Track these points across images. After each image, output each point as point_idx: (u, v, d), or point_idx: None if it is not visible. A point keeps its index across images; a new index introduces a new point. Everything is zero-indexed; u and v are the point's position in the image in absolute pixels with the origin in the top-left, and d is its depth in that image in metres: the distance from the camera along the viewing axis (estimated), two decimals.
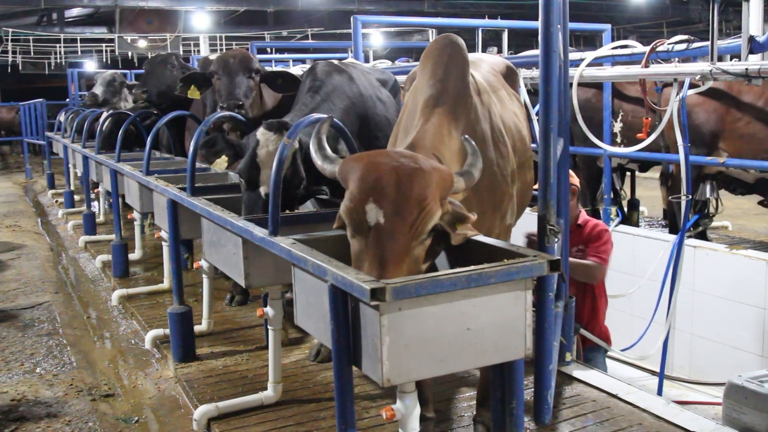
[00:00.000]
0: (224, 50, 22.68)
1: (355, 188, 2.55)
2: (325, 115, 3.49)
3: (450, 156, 2.98)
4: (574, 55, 6.03)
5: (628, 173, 8.67)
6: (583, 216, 4.87)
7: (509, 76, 4.22)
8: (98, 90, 10.62)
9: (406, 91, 3.96)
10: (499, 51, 8.88)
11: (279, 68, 5.93)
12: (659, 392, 5.38)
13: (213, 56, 7.57)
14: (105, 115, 8.42)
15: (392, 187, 2.49)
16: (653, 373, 5.74)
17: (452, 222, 2.67)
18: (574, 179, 4.75)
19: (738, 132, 6.38)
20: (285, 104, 5.50)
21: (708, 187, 7.01)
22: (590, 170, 7.85)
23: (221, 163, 4.37)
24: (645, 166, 8.27)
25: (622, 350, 6.08)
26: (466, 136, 2.98)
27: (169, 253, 5.46)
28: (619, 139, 7.29)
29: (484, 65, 3.99)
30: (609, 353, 5.35)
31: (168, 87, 7.63)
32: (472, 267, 2.44)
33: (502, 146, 3.39)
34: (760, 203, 7.06)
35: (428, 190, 2.53)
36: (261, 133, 4.11)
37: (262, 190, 4.00)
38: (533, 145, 4.13)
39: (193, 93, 5.84)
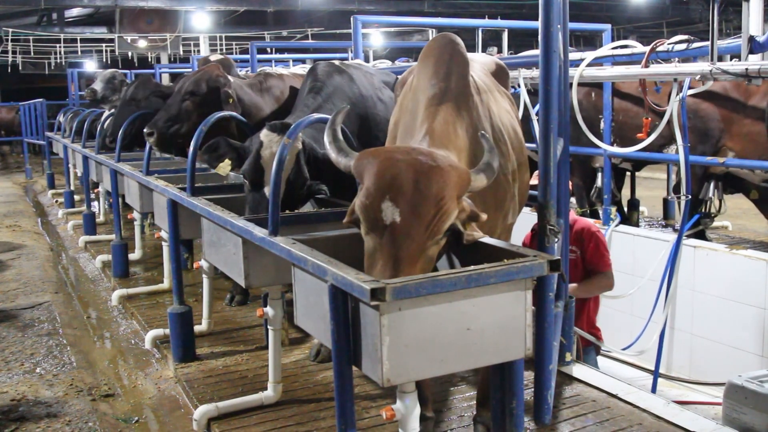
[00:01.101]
0: (224, 50, 22.72)
1: (372, 185, 2.51)
2: (326, 116, 3.49)
3: (458, 153, 2.97)
4: (574, 55, 6.02)
5: (628, 173, 8.67)
6: (572, 215, 4.87)
7: (499, 74, 4.19)
8: (98, 86, 10.63)
9: (397, 95, 3.94)
10: (499, 51, 8.87)
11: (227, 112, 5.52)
12: (653, 389, 5.38)
13: (213, 57, 7.50)
14: (106, 114, 8.42)
15: (409, 185, 2.46)
16: (653, 372, 5.73)
17: (465, 222, 2.66)
18: None
19: (744, 130, 6.37)
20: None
21: (711, 187, 7.00)
22: (585, 171, 7.85)
23: (225, 167, 4.35)
24: (639, 165, 8.27)
25: (622, 350, 6.08)
26: (483, 132, 2.96)
27: (169, 253, 5.46)
28: (611, 139, 7.29)
29: (477, 65, 3.98)
30: (602, 351, 5.36)
31: (139, 128, 6.86)
32: (472, 267, 2.44)
33: (503, 145, 3.39)
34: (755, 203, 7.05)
35: (446, 189, 2.49)
36: (264, 134, 4.12)
37: (267, 190, 4.00)
38: (533, 145, 4.13)
39: None
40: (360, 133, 4.70)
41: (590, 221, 5.22)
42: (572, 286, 4.57)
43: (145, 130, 5.48)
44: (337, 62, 5.20)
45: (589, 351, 4.96)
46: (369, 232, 2.53)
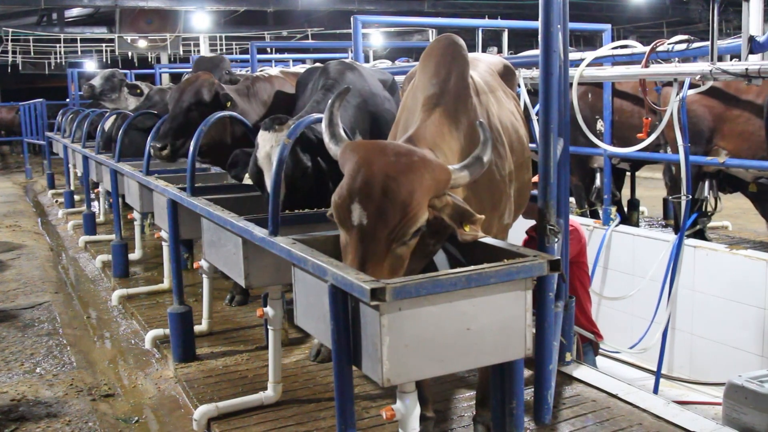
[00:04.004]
0: (224, 50, 22.69)
1: (345, 185, 2.59)
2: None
3: (450, 154, 2.98)
4: (574, 55, 6.03)
5: (628, 173, 8.67)
6: None
7: (506, 76, 4.21)
8: (96, 82, 10.62)
9: (404, 91, 3.96)
10: (499, 51, 8.88)
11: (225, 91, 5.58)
12: (655, 389, 5.38)
13: (209, 55, 7.47)
14: (107, 114, 8.43)
15: (377, 191, 2.52)
16: (653, 372, 5.73)
17: (457, 218, 2.68)
18: None
19: (737, 130, 6.38)
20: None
21: (706, 186, 7.01)
22: (583, 171, 7.86)
23: None
24: (636, 165, 8.27)
25: (629, 348, 6.07)
26: (481, 121, 2.97)
27: (169, 253, 5.46)
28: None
29: (482, 65, 3.98)
30: (602, 351, 5.34)
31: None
32: (472, 267, 2.45)
33: (500, 147, 3.39)
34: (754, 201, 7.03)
35: (414, 195, 2.54)
36: (260, 135, 4.10)
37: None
38: (533, 145, 4.13)
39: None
40: (372, 131, 4.67)
41: (575, 220, 5.17)
42: None
43: (156, 145, 5.39)
44: (347, 60, 5.20)
45: (587, 351, 4.95)
46: (340, 227, 2.64)
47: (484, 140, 2.84)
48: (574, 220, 5.05)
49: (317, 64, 6.44)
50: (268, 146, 3.95)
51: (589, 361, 4.87)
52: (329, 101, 3.04)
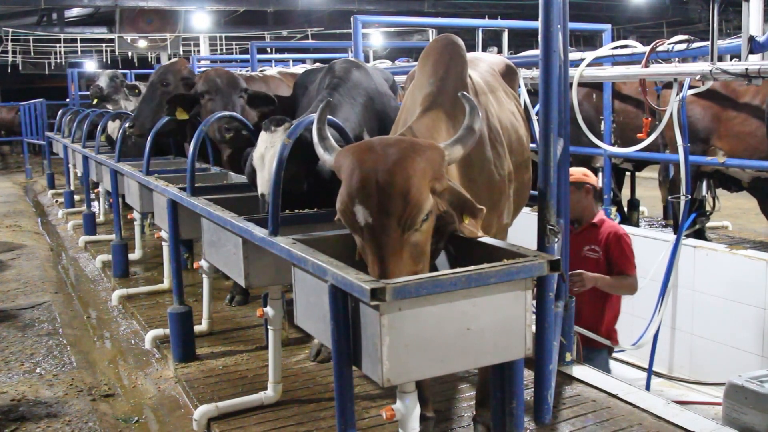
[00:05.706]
0: (224, 50, 22.69)
1: (344, 190, 2.60)
2: (329, 117, 3.48)
3: None
4: (574, 55, 6.03)
5: (628, 173, 8.68)
6: (600, 215, 4.88)
7: (508, 75, 4.21)
8: (103, 83, 10.63)
9: (406, 90, 3.96)
10: (499, 51, 8.88)
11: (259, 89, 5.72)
12: (647, 387, 5.37)
13: (167, 62, 7.48)
14: (108, 115, 8.43)
15: (374, 188, 2.52)
16: (654, 373, 5.73)
17: (458, 207, 2.69)
18: (591, 178, 4.80)
19: (734, 130, 6.39)
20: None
21: (704, 186, 7.02)
22: None
23: None
24: (639, 165, 8.27)
25: (621, 351, 6.08)
26: (464, 92, 2.95)
27: (169, 253, 5.46)
28: (613, 140, 7.31)
29: (483, 64, 3.98)
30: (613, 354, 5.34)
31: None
32: (472, 267, 2.44)
33: (499, 146, 3.39)
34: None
35: (411, 181, 2.53)
36: (260, 136, 4.10)
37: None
38: (533, 145, 4.13)
39: (181, 114, 5.78)
40: (379, 129, 4.64)
41: (617, 224, 5.23)
42: (597, 275, 4.61)
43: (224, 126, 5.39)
44: (352, 58, 5.17)
45: (602, 351, 4.94)
46: (352, 231, 2.64)
47: (470, 109, 2.82)
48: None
49: (317, 65, 6.44)
50: (263, 147, 3.95)
51: (602, 361, 4.85)
52: (317, 115, 3.02)
